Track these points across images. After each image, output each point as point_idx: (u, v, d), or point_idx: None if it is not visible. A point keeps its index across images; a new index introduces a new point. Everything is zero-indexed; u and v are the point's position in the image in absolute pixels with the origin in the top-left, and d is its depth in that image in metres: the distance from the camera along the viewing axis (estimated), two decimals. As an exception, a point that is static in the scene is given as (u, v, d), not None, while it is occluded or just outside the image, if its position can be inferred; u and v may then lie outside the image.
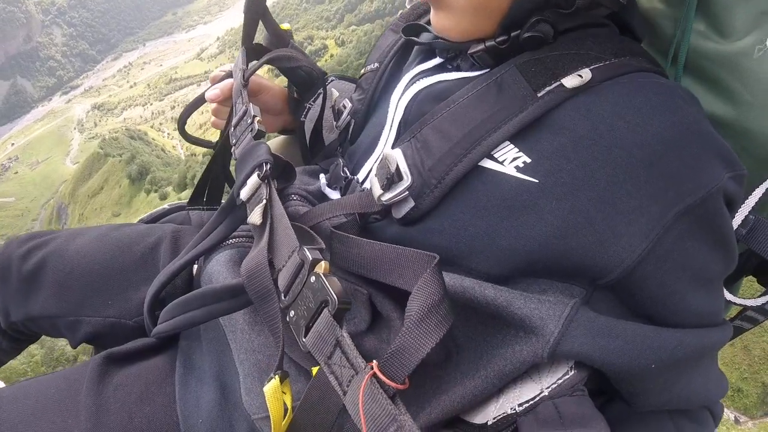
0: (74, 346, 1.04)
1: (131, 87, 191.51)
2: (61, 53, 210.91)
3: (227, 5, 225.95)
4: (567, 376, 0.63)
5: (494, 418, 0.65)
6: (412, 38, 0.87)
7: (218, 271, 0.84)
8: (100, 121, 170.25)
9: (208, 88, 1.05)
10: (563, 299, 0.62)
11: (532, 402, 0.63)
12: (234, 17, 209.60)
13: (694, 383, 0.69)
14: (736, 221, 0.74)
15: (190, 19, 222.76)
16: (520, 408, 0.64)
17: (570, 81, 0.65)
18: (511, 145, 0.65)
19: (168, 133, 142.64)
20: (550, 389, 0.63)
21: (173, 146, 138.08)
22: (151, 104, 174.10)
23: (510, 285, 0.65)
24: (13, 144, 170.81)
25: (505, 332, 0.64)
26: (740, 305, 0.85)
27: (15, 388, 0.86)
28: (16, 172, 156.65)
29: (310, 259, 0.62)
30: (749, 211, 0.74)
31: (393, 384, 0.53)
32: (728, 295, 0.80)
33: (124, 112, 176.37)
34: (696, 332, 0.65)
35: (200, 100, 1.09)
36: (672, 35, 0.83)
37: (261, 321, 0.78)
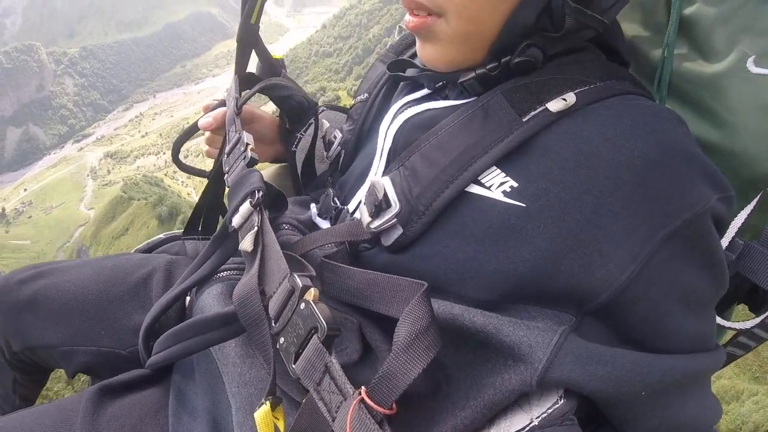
0: (70, 377, 1.05)
1: (143, 136, 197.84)
2: (73, 102, 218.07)
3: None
4: (557, 406, 0.63)
5: None
6: (399, 74, 0.88)
7: (209, 304, 0.85)
8: (113, 168, 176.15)
9: (201, 116, 1.05)
10: (552, 326, 0.62)
11: None
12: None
13: (686, 409, 0.68)
14: (723, 243, 0.73)
15: (198, 72, 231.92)
16: None
17: (554, 105, 0.66)
18: (498, 170, 0.66)
19: (182, 181, 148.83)
20: (540, 419, 0.62)
21: (188, 193, 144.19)
22: (164, 153, 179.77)
23: (500, 311, 0.65)
24: (25, 189, 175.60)
25: (494, 361, 0.63)
26: (730, 329, 0.85)
27: (11, 418, 0.87)
28: (30, 217, 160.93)
29: (300, 286, 0.62)
30: (736, 234, 0.75)
31: (380, 409, 0.53)
32: (718, 319, 0.80)
33: (137, 160, 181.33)
34: (687, 357, 0.64)
35: (193, 128, 1.10)
36: (656, 60, 0.84)
37: (253, 354, 0.78)
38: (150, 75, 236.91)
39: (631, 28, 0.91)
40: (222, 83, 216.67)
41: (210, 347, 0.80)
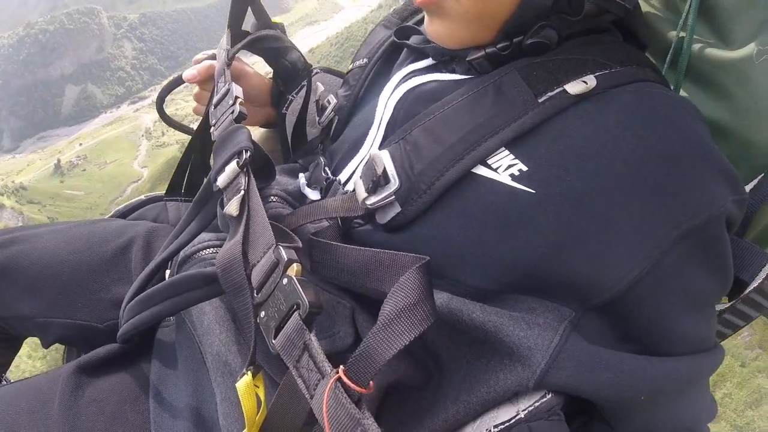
0: (46, 347, 1.01)
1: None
2: (131, 65, 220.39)
3: (290, 33, 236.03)
4: (544, 399, 0.61)
5: None
6: (404, 42, 0.85)
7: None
8: (167, 131, 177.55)
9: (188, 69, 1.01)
10: (552, 323, 0.60)
11: (507, 424, 0.61)
12: (299, 44, 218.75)
13: (684, 408, 0.68)
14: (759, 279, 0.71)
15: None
16: (496, 430, 0.62)
17: (573, 87, 0.62)
18: (507, 152, 0.62)
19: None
20: (526, 412, 0.61)
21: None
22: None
23: (499, 301, 0.62)
24: (81, 144, 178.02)
25: (491, 357, 0.62)
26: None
27: None
28: (84, 170, 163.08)
29: (285, 259, 0.59)
30: None
31: (357, 388, 0.52)
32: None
33: (191, 124, 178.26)
34: (688, 360, 0.63)
35: (177, 80, 1.06)
36: (670, 39, 0.82)
37: (238, 342, 0.75)
38: (207, 44, 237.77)
39: (648, 5, 0.88)
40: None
41: (191, 328, 0.79)
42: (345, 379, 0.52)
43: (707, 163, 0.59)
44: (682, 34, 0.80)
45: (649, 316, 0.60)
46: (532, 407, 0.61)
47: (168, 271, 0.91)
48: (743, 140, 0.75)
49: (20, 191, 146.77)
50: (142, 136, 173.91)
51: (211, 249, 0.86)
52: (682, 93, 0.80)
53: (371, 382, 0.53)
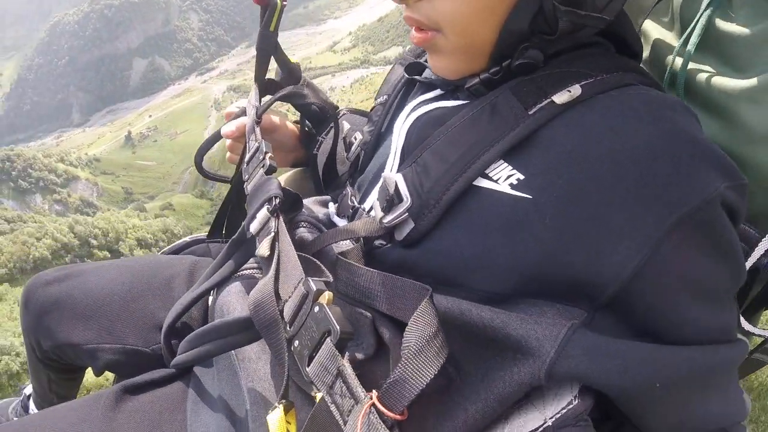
0: (97, 375, 1.08)
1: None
2: (198, 37, 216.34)
3: (356, 3, 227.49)
4: (571, 406, 0.62)
5: None
6: (414, 77, 0.91)
7: (229, 302, 0.87)
8: (236, 101, 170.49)
9: (224, 125, 1.09)
10: (561, 320, 0.61)
11: None
12: (364, 14, 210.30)
13: (709, 404, 0.66)
14: (756, 254, 0.72)
15: (321, 14, 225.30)
16: None
17: (560, 97, 0.65)
18: (505, 164, 0.65)
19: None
20: (553, 419, 0.62)
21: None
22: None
23: (510, 306, 0.64)
24: (150, 116, 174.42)
25: (504, 354, 0.63)
26: (758, 335, 0.81)
27: (40, 414, 0.91)
28: (155, 141, 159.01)
29: (314, 289, 0.63)
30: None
31: (392, 415, 0.53)
32: (745, 324, 0.78)
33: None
34: (704, 349, 0.62)
35: (216, 137, 1.13)
36: (668, 62, 0.82)
37: (269, 351, 0.80)
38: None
39: (654, 26, 0.89)
40: (343, 25, 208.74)
41: (231, 350, 0.82)
42: (379, 405, 0.53)
43: (694, 152, 0.60)
44: (678, 60, 0.81)
45: (657, 307, 0.61)
46: (560, 414, 0.62)
47: (211, 297, 0.97)
48: (752, 166, 0.76)
49: (93, 163, 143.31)
50: (211, 106, 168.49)
51: (249, 270, 0.93)
52: None
53: (405, 410, 0.54)
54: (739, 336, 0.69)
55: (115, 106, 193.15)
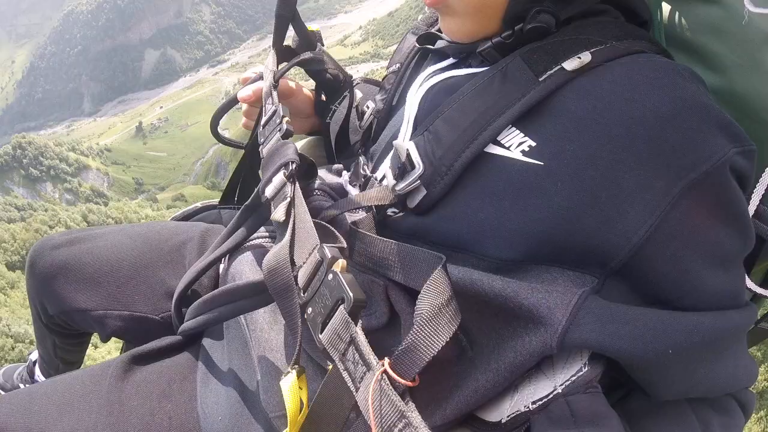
0: (104, 340, 1.07)
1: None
2: (209, 29, 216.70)
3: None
4: (581, 373, 0.62)
5: (508, 416, 0.65)
6: (427, 47, 0.91)
7: (241, 271, 0.87)
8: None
9: (240, 89, 1.08)
10: (572, 288, 0.61)
11: (545, 400, 0.62)
12: (374, 8, 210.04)
13: (718, 369, 0.66)
14: (754, 201, 0.72)
15: (331, 7, 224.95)
16: (534, 406, 0.63)
17: (570, 64, 0.66)
18: (516, 130, 0.66)
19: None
20: (563, 386, 0.62)
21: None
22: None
23: (521, 273, 0.64)
24: (161, 107, 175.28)
25: (515, 324, 0.63)
26: (762, 294, 0.81)
27: (47, 384, 0.89)
28: (166, 132, 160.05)
29: (329, 256, 0.62)
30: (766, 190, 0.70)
31: (403, 381, 0.53)
32: (751, 284, 0.77)
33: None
34: (714, 314, 0.62)
35: (233, 101, 1.13)
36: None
37: (280, 321, 0.80)
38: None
39: None
40: (353, 20, 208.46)
41: (240, 314, 0.82)
42: (391, 372, 0.53)
43: (701, 117, 0.61)
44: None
45: (668, 272, 0.61)
46: (570, 381, 0.62)
47: (222, 264, 0.97)
48: (736, 98, 0.77)
49: (105, 153, 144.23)
50: (223, 98, 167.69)
51: (261, 239, 0.93)
52: None
53: (417, 376, 0.54)
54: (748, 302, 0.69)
55: (126, 97, 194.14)
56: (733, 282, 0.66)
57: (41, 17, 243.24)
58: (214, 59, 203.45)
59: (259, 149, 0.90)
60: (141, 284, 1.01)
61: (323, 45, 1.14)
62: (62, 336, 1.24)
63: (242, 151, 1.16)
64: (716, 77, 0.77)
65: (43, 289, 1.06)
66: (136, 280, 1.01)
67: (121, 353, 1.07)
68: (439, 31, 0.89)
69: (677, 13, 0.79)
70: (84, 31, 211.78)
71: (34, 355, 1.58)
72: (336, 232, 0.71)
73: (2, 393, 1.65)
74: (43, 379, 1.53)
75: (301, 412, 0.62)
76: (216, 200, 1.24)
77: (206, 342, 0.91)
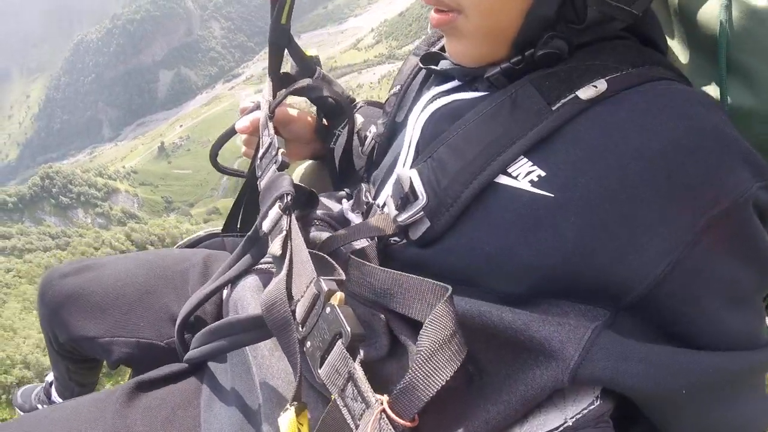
0: (112, 368, 1.07)
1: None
2: (221, 45, 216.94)
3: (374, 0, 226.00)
4: (592, 407, 0.60)
5: None
6: (431, 67, 0.87)
7: (243, 297, 0.86)
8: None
9: (238, 119, 1.08)
10: (584, 323, 0.59)
11: None
12: (383, 10, 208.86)
13: (735, 410, 0.64)
14: None
15: (340, 12, 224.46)
16: None
17: (585, 92, 0.63)
18: (526, 160, 0.63)
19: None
20: (574, 419, 0.60)
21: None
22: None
23: (530, 307, 0.62)
24: (181, 126, 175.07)
25: (526, 356, 0.61)
26: None
27: (53, 409, 0.90)
28: (189, 150, 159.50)
29: (326, 290, 0.61)
30: None
31: (401, 422, 0.52)
32: None
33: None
34: (731, 355, 0.60)
35: (231, 132, 1.12)
36: (713, 31, 0.75)
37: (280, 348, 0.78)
38: (294, 16, 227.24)
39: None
40: (364, 23, 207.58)
41: (244, 347, 0.82)
42: (389, 412, 0.52)
43: (724, 150, 0.58)
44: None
45: (684, 311, 0.59)
46: (580, 415, 0.60)
47: (226, 291, 0.97)
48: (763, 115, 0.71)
49: (132, 175, 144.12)
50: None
51: (264, 264, 0.91)
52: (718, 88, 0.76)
53: (416, 416, 0.53)
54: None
55: (145, 119, 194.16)
56: (752, 321, 0.63)
57: (51, 49, 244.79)
58: (229, 74, 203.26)
59: (257, 182, 0.89)
60: (146, 310, 1.02)
61: (321, 70, 1.11)
62: (74, 361, 1.25)
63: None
64: (757, 98, 0.72)
65: (53, 318, 1.07)
66: (141, 306, 1.02)
67: (129, 378, 1.07)
68: (442, 50, 0.87)
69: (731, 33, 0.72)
70: (96, 59, 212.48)
71: (50, 377, 1.60)
72: (334, 263, 0.69)
73: (20, 413, 1.72)
74: (59, 399, 1.56)
75: None
76: (219, 229, 1.25)
77: (210, 365, 0.91)
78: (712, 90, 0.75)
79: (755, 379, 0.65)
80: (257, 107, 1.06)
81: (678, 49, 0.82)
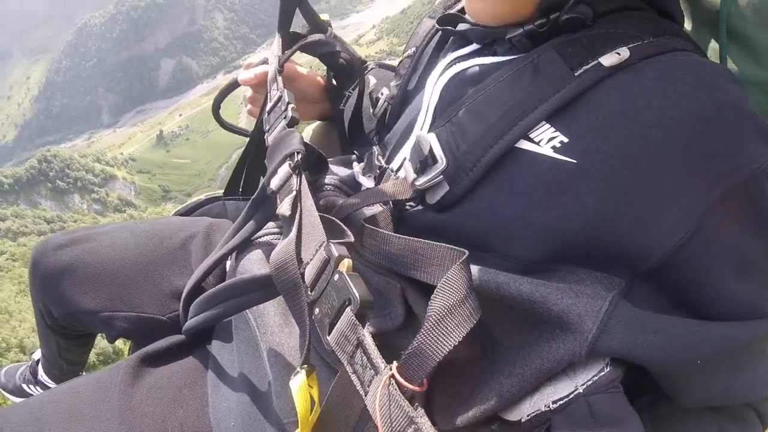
0: (111, 341, 1.04)
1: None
2: (224, 36, 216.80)
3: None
4: (602, 373, 0.61)
5: (528, 415, 0.63)
6: (448, 28, 0.84)
7: (249, 269, 0.83)
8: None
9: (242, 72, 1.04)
10: (601, 292, 0.59)
11: (566, 400, 0.61)
12: (386, 6, 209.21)
13: (742, 378, 0.65)
14: None
15: (343, 8, 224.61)
16: (554, 405, 0.61)
17: (608, 59, 0.63)
18: (548, 125, 0.63)
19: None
20: (584, 386, 0.60)
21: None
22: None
23: (547, 273, 0.62)
24: (180, 115, 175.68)
25: (542, 329, 0.61)
26: None
27: (55, 391, 0.87)
28: (188, 139, 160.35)
29: (335, 255, 0.60)
30: None
31: (410, 386, 0.51)
32: None
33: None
34: (742, 325, 0.61)
35: (233, 84, 1.10)
36: (715, 5, 0.78)
37: (291, 323, 0.77)
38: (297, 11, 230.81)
39: None
40: (366, 19, 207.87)
41: (247, 310, 0.80)
42: (398, 377, 0.52)
43: (742, 122, 0.59)
44: None
45: (698, 280, 0.60)
46: (591, 381, 0.60)
47: (229, 262, 0.93)
48: None
49: (129, 162, 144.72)
50: (241, 103, 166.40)
51: (269, 236, 0.88)
52: (729, 61, 0.78)
53: (425, 380, 0.52)
54: None
55: (144, 107, 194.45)
56: (760, 291, 0.64)
57: (54, 32, 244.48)
58: (230, 65, 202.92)
59: (265, 137, 0.86)
60: (146, 284, 0.99)
61: (333, 32, 1.09)
62: (67, 338, 1.22)
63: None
64: (761, 68, 0.75)
65: (47, 292, 1.04)
66: (141, 279, 0.99)
67: (129, 352, 1.04)
68: (461, 12, 0.85)
69: (741, 6, 0.75)
70: (98, 44, 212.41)
71: (37, 355, 1.55)
72: (344, 226, 0.69)
73: (4, 393, 1.68)
74: (46, 378, 1.52)
75: (312, 410, 0.60)
76: (220, 192, 1.20)
77: (215, 344, 0.89)
78: (710, 56, 0.76)
79: (760, 347, 0.66)
80: (264, 62, 1.04)
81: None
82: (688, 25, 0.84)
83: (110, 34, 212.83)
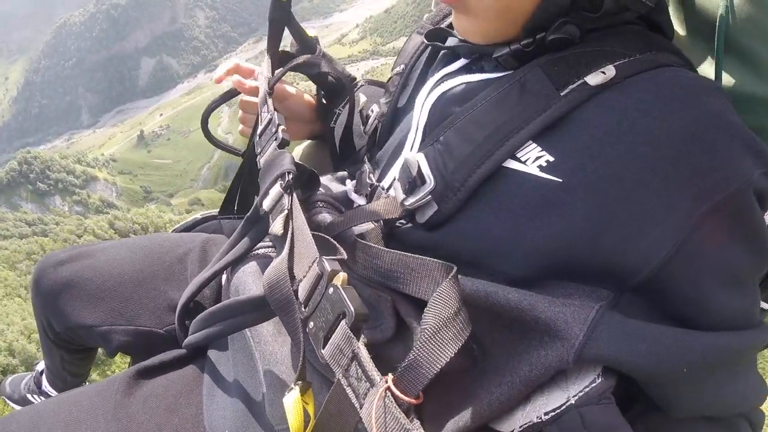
0: (110, 356, 1.06)
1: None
2: (205, 34, 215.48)
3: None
4: (594, 384, 0.61)
5: (520, 427, 0.63)
6: (436, 44, 0.86)
7: (244, 282, 0.84)
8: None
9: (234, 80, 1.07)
10: (589, 303, 0.60)
11: (558, 411, 0.61)
12: (369, 6, 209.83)
13: (729, 388, 0.66)
14: None
15: (326, 7, 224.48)
16: (546, 417, 0.61)
17: (593, 78, 0.64)
18: (535, 145, 0.64)
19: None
20: (576, 397, 0.61)
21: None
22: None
23: (536, 288, 0.63)
24: (161, 114, 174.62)
25: (531, 337, 0.62)
26: None
27: (55, 400, 0.89)
28: (169, 139, 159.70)
29: (329, 270, 0.61)
30: None
31: (406, 399, 0.52)
32: (763, 303, 0.75)
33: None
34: (729, 335, 0.62)
35: (227, 96, 1.12)
36: (713, 15, 0.78)
37: (284, 333, 0.78)
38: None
39: None
40: (349, 18, 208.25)
41: (243, 329, 0.81)
42: (394, 390, 0.52)
43: (728, 137, 0.60)
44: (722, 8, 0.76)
45: (686, 293, 0.61)
46: (582, 393, 0.61)
47: (225, 276, 0.95)
48: None
49: (110, 163, 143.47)
50: (221, 114, 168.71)
51: (264, 249, 0.89)
52: (727, 75, 0.78)
53: (421, 393, 0.53)
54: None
55: (125, 107, 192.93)
56: (748, 302, 0.65)
57: (33, 31, 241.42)
58: (211, 64, 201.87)
59: (257, 160, 0.87)
60: (144, 298, 1.00)
61: (321, 49, 1.10)
62: (69, 351, 1.24)
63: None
64: (761, 82, 0.74)
65: (49, 307, 1.06)
66: (139, 293, 1.00)
67: (129, 366, 1.05)
68: (450, 27, 0.85)
69: (743, 17, 0.74)
70: (78, 43, 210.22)
71: (41, 365, 1.58)
72: (335, 243, 0.70)
73: (10, 403, 1.72)
74: (50, 389, 1.55)
75: (307, 427, 0.61)
76: (216, 211, 1.23)
77: (212, 353, 0.90)
78: (709, 69, 0.77)
79: (749, 357, 0.68)
80: (240, 69, 1.07)
81: (677, 27, 0.83)
82: (684, 36, 0.85)
83: (90, 33, 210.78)
